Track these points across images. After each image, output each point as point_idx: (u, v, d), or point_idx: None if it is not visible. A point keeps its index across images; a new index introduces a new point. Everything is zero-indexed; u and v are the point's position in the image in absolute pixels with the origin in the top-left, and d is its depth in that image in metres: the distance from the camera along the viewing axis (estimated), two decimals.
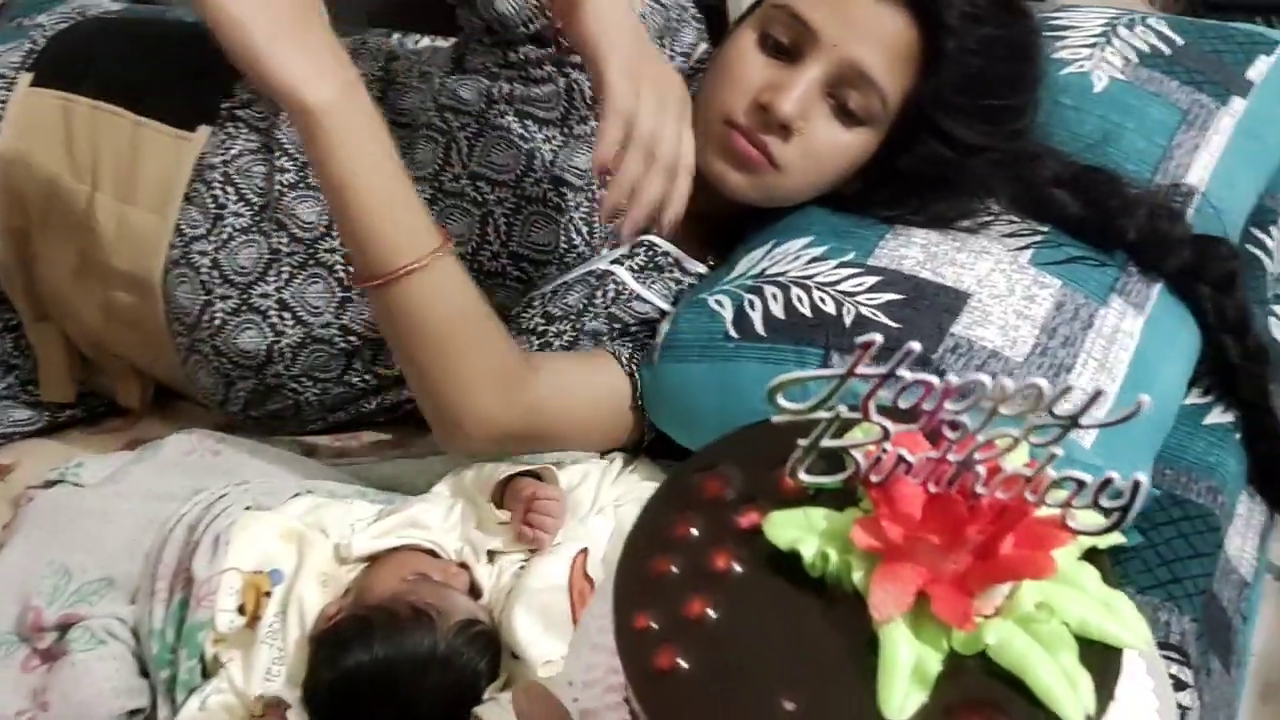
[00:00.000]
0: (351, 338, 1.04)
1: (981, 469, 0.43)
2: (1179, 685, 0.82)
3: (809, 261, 0.95)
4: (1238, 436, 0.99)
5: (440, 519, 0.90)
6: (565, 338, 1.01)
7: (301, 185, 1.03)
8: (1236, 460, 0.97)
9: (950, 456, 0.44)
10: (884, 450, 0.44)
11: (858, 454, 0.44)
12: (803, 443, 0.45)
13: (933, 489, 0.44)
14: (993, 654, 0.43)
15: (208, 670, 0.85)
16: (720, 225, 1.06)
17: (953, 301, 0.89)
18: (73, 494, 0.98)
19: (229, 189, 1.04)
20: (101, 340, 1.11)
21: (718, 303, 0.95)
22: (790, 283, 0.93)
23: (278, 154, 1.04)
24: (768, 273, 0.95)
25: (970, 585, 0.44)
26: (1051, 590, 0.45)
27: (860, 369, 0.42)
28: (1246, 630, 0.93)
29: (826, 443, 0.45)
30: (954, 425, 0.43)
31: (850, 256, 0.94)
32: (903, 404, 0.43)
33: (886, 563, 0.44)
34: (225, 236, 1.03)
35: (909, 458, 0.44)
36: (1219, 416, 0.99)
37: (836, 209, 1.01)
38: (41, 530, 0.94)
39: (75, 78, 1.10)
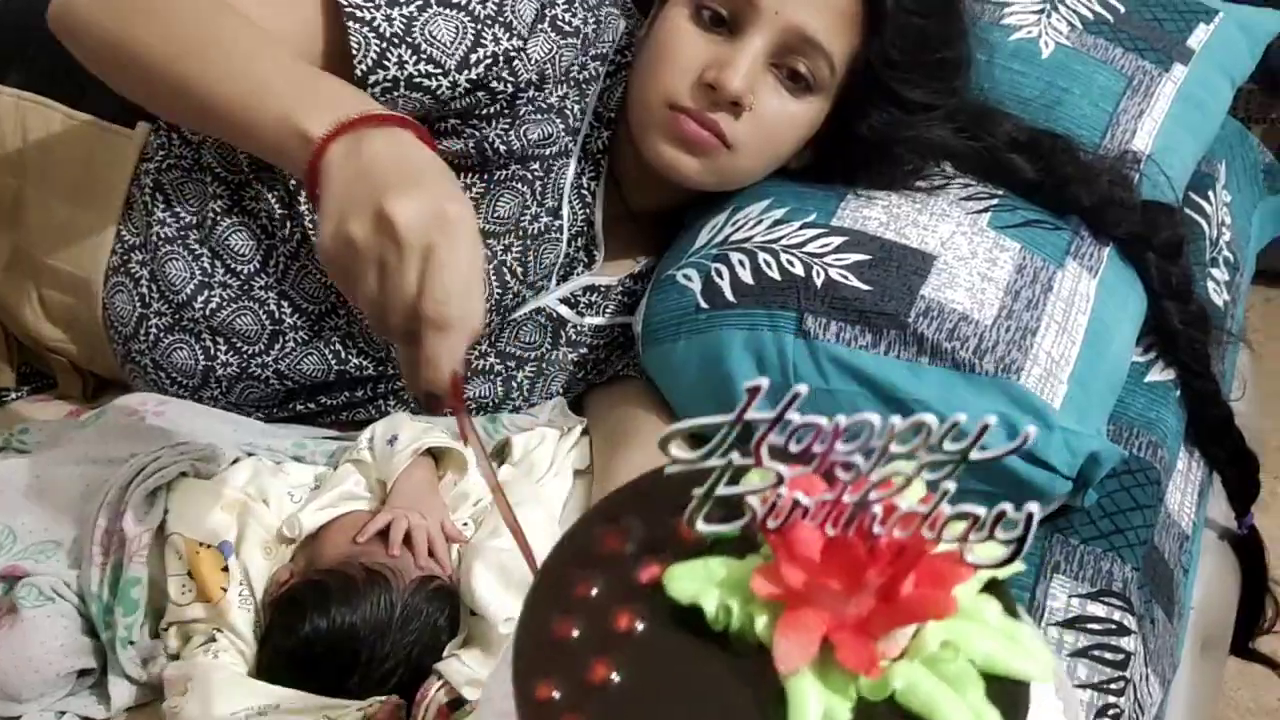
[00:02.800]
0: (288, 382, 0.99)
1: (878, 508, 0.43)
2: (1121, 630, 0.86)
3: (771, 225, 0.95)
4: (1177, 394, 1.03)
5: (368, 494, 0.90)
6: (528, 370, 1.03)
7: (234, 212, 0.96)
8: (1176, 417, 1.01)
9: (845, 498, 0.43)
10: (779, 495, 0.43)
11: (753, 500, 0.44)
12: (698, 491, 0.45)
13: (830, 531, 0.44)
14: (901, 698, 0.43)
15: (176, 651, 0.83)
16: (666, 217, 1.04)
17: (920, 263, 0.90)
18: (16, 460, 0.95)
19: (159, 195, 0.98)
20: (38, 335, 1.06)
21: (685, 277, 0.95)
22: (756, 248, 0.93)
23: (210, 176, 0.97)
24: (731, 240, 0.96)
25: (874, 629, 0.44)
26: (955, 628, 0.45)
27: (750, 414, 0.42)
28: (1187, 583, 0.97)
29: (721, 490, 0.44)
30: (847, 466, 0.43)
31: (813, 218, 0.95)
32: (794, 447, 0.43)
33: (789, 611, 0.44)
34: (155, 248, 0.97)
35: (804, 501, 0.43)
36: (1159, 374, 1.02)
37: (791, 179, 1.00)
38: None
39: (11, 67, 1.03)
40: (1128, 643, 0.85)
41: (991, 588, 0.47)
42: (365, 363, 1.00)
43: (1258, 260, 1.30)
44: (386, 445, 0.90)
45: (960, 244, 0.92)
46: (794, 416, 0.42)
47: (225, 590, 0.82)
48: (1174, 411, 1.01)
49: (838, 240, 0.92)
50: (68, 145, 1.02)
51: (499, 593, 0.80)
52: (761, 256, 0.92)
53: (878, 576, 0.44)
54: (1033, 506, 0.43)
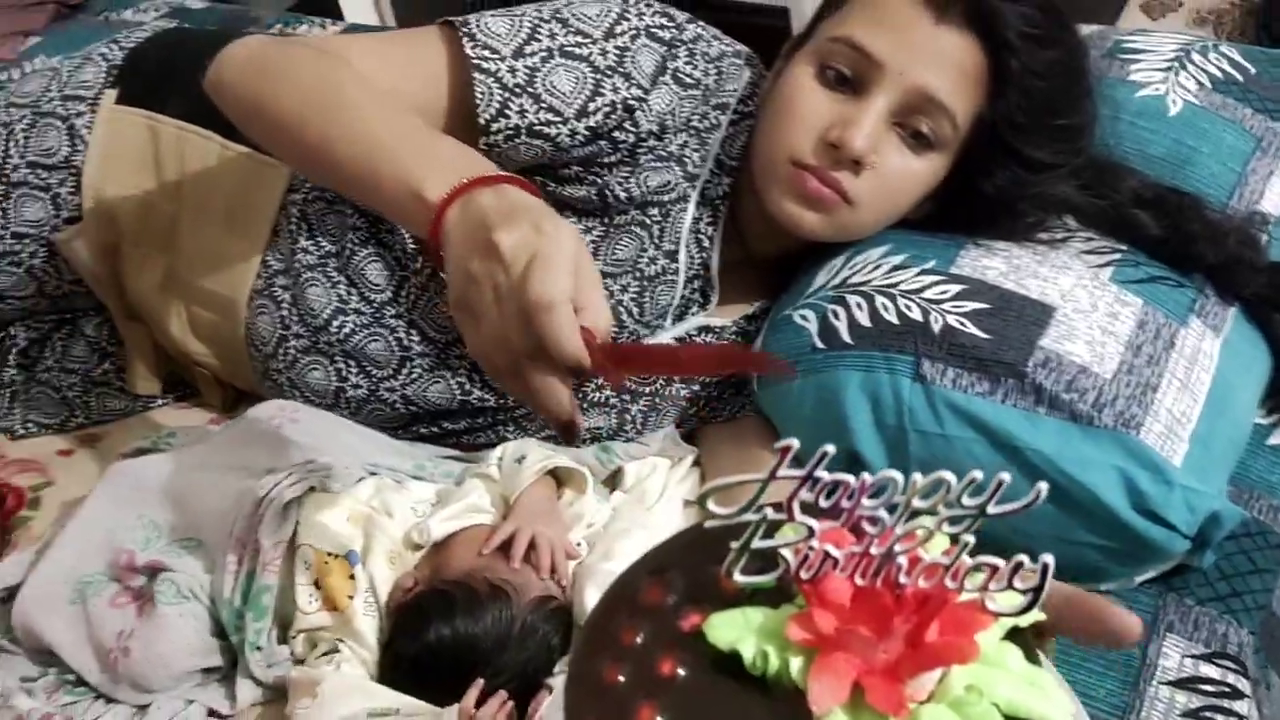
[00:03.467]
0: (413, 407, 1.04)
1: (903, 560, 0.46)
2: (1235, 694, 0.84)
3: (890, 270, 0.96)
4: None
5: (491, 506, 0.93)
6: (642, 404, 1.06)
7: (371, 243, 1.01)
8: None
9: (873, 550, 0.46)
10: (811, 548, 0.46)
11: (787, 553, 0.46)
12: (735, 544, 0.47)
13: (860, 582, 0.46)
14: None
15: (301, 656, 0.87)
16: (784, 264, 1.06)
17: (1039, 314, 0.90)
18: (162, 459, 1.01)
19: (304, 224, 1.04)
20: (184, 349, 1.13)
21: (802, 317, 0.97)
22: (874, 291, 0.95)
23: (350, 208, 1.02)
24: (850, 282, 0.97)
25: (902, 673, 0.46)
26: (979, 673, 0.47)
27: (781, 471, 0.44)
28: None
29: (757, 544, 0.47)
30: (873, 520, 0.45)
31: (932, 264, 0.96)
32: (824, 503, 0.45)
33: (822, 656, 0.46)
34: (297, 273, 1.04)
35: (835, 553, 0.46)
36: None
37: (911, 228, 1.01)
38: (130, 488, 0.97)
39: (161, 97, 1.11)
40: (1241, 706, 0.83)
41: (1013, 636, 0.49)
42: (487, 394, 1.04)
43: None
44: (515, 463, 0.94)
45: (1081, 297, 0.93)
46: (823, 474, 0.44)
47: (351, 598, 0.86)
48: None
49: (956, 288, 0.93)
50: (222, 175, 1.09)
51: None
52: (879, 300, 0.94)
53: (904, 623, 0.46)
54: (1048, 557, 0.45)
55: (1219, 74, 1.16)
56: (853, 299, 0.95)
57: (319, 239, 1.04)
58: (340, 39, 0.99)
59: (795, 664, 0.46)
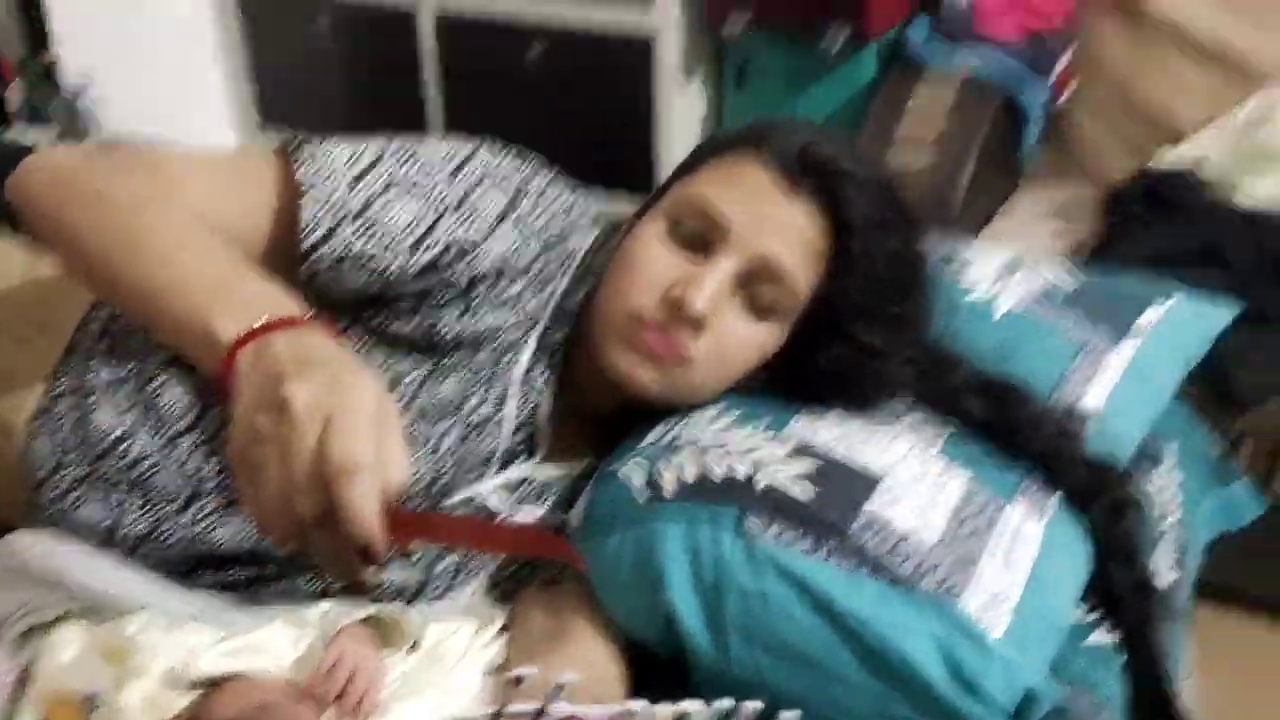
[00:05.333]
0: (198, 548, 0.94)
1: None
2: None
3: (723, 429, 0.94)
4: (1120, 661, 0.98)
5: (287, 646, 0.83)
6: (451, 560, 0.99)
7: (175, 365, 0.95)
8: (1118, 685, 0.96)
9: None
10: None
11: None
12: None
13: None
14: None
15: None
16: (616, 421, 1.03)
17: (865, 484, 0.89)
18: None
19: (105, 340, 0.97)
20: None
21: (627, 473, 0.93)
22: (703, 448, 0.92)
23: None
24: (680, 439, 0.94)
25: None
26: None
27: (510, 709, 0.41)
28: None
29: None
30: None
31: (764, 425, 0.94)
32: None
33: None
34: (85, 393, 0.95)
35: None
36: (1101, 637, 0.98)
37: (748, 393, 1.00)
38: None
39: None
40: None
41: None
42: None
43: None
44: (338, 610, 0.85)
45: (911, 465, 0.91)
46: (555, 709, 0.40)
47: None
48: (1116, 678, 0.96)
49: (785, 449, 0.91)
50: (22, 286, 1.03)
51: None
52: (707, 457, 0.91)
53: None
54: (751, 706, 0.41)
55: (1045, 285, 1.21)
56: (680, 454, 0.92)
57: (117, 359, 0.96)
58: (166, 155, 0.95)
59: None
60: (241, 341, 0.70)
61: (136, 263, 0.80)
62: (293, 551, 0.69)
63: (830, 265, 0.95)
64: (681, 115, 2.74)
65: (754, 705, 0.42)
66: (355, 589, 0.65)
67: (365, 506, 0.62)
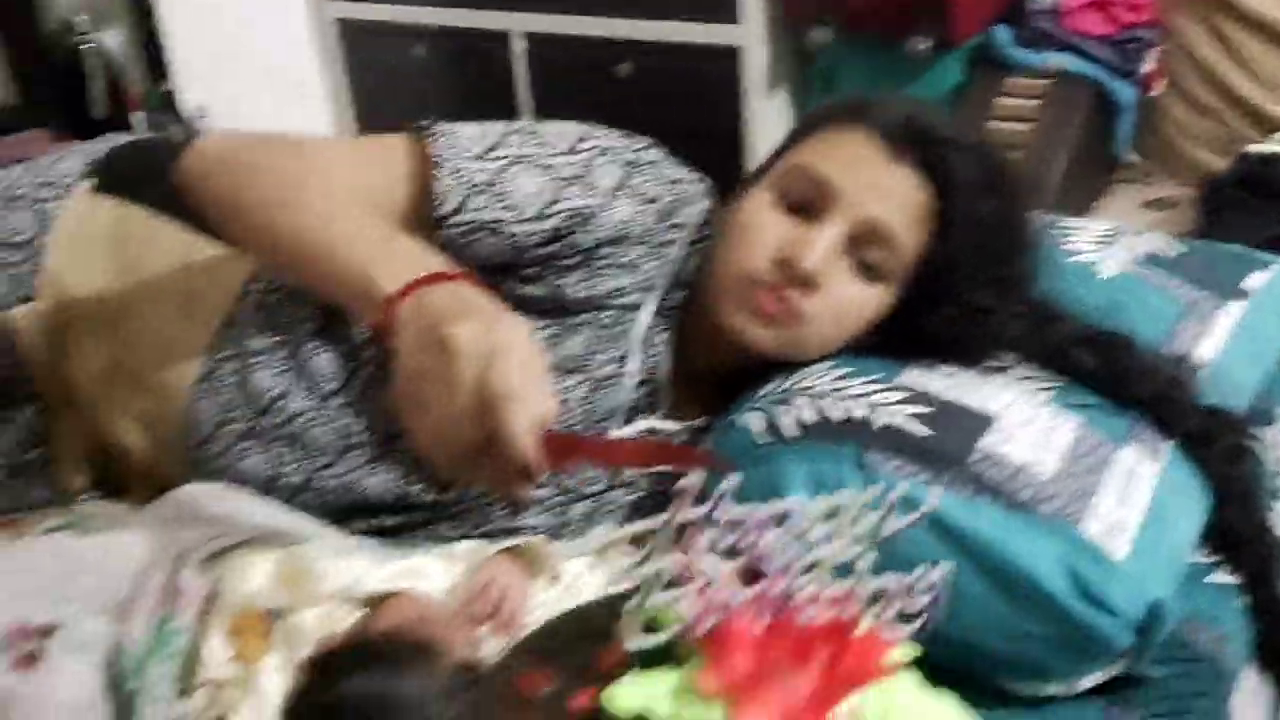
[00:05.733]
0: (349, 498, 1.01)
1: (802, 596, 0.47)
2: None
3: (836, 378, 0.98)
4: (1241, 602, 0.99)
5: (439, 575, 0.89)
6: (584, 507, 1.04)
7: (324, 334, 1.03)
8: (1240, 623, 0.97)
9: (772, 590, 0.47)
10: (710, 596, 0.46)
11: (684, 605, 0.46)
12: (629, 606, 0.47)
13: (760, 625, 0.47)
14: None
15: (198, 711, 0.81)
16: (732, 381, 1.08)
17: (979, 421, 0.92)
18: (75, 538, 0.97)
19: (260, 313, 1.06)
20: (118, 440, 1.11)
21: (747, 420, 0.98)
22: (819, 394, 0.96)
23: (308, 300, 1.04)
24: (796, 388, 0.99)
25: (825, 705, 0.46)
26: (887, 699, 0.48)
27: (680, 515, 0.45)
28: None
29: (655, 599, 0.46)
30: (771, 557, 0.46)
31: (876, 376, 0.98)
32: (723, 543, 0.46)
33: (740, 702, 0.45)
34: (244, 359, 1.04)
35: (734, 599, 0.46)
36: (1221, 578, 1.00)
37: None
38: (38, 565, 0.93)
39: (134, 189, 1.15)
40: None
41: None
42: (427, 488, 1.02)
43: None
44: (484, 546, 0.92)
45: (1023, 409, 0.94)
46: (722, 512, 0.44)
47: (264, 656, 0.81)
48: (1237, 615, 0.97)
49: (900, 394, 0.95)
50: (184, 265, 1.11)
51: None
52: (825, 401, 0.95)
53: (815, 655, 0.46)
54: (944, 569, 0.45)
55: (1148, 252, 1.23)
56: (798, 400, 0.96)
57: (271, 327, 1.04)
58: (309, 139, 1.04)
59: (715, 715, 0.45)
60: (402, 294, 0.77)
61: (302, 229, 0.88)
62: (455, 478, 0.75)
63: (936, 229, 0.99)
64: (769, 125, 2.79)
65: (900, 488, 0.46)
66: (512, 508, 0.71)
67: (523, 431, 0.68)
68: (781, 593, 0.46)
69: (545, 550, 0.91)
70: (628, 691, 0.46)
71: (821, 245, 0.96)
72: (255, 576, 0.85)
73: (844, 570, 0.45)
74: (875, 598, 0.46)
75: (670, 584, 0.45)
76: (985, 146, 1.03)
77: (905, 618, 0.47)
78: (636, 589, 0.45)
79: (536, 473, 0.70)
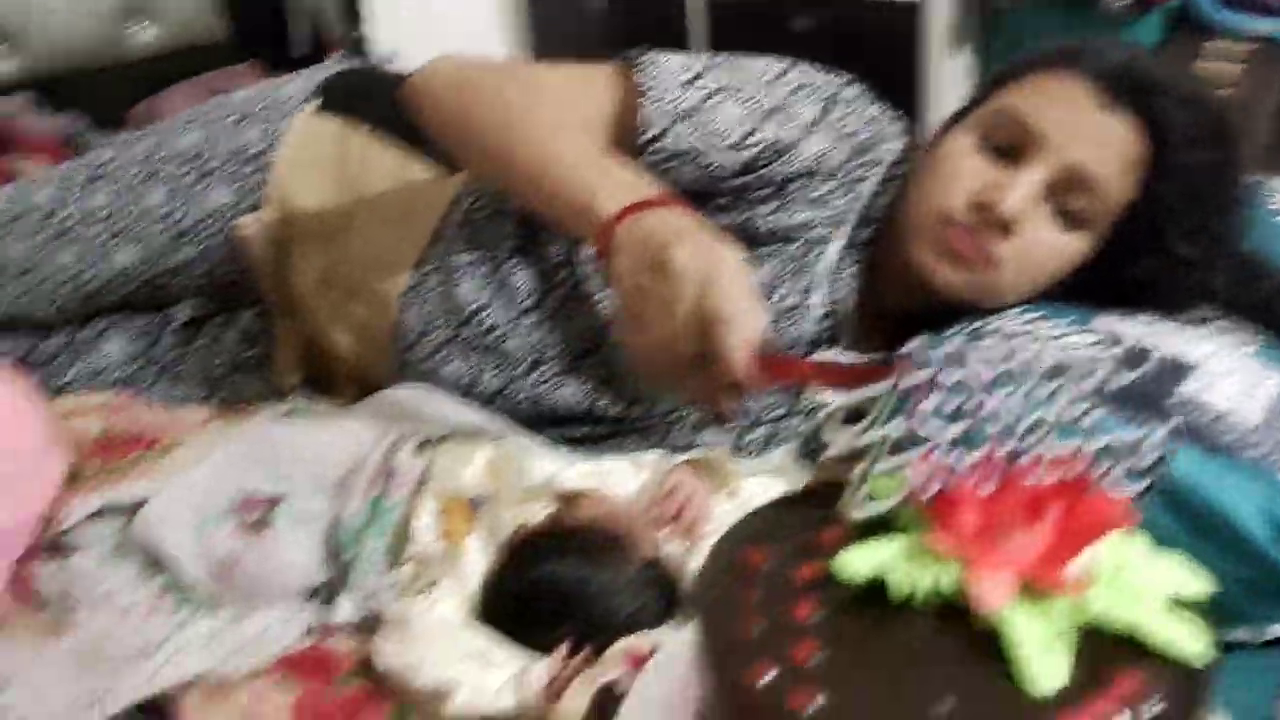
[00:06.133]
0: (540, 408, 1.07)
1: (1028, 458, 0.47)
2: None
3: (1027, 321, 0.98)
4: None
5: (628, 479, 0.94)
6: (762, 431, 1.07)
7: (523, 253, 1.08)
8: None
9: (998, 452, 0.46)
10: (934, 462, 0.46)
11: (910, 471, 0.47)
12: (855, 473, 0.47)
13: (987, 488, 0.47)
14: (1101, 619, 0.45)
15: (402, 590, 0.88)
16: (912, 321, 1.07)
17: (1177, 369, 0.91)
18: (297, 421, 1.05)
19: (465, 229, 1.11)
20: (330, 343, 1.19)
21: (934, 356, 0.99)
22: (1010, 334, 0.96)
23: (510, 220, 1.09)
24: (984, 329, 0.99)
25: (1054, 562, 0.46)
26: (1119, 556, 0.48)
27: (904, 381, 0.45)
28: None
29: (881, 466, 0.47)
30: (997, 419, 0.46)
31: (1069, 320, 0.97)
32: (948, 408, 0.46)
33: (976, 560, 0.46)
34: (449, 271, 1.10)
35: (961, 463, 0.46)
36: None
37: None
38: (266, 441, 1.01)
39: (356, 110, 1.22)
40: None
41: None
42: (613, 404, 1.07)
43: None
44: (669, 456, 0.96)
45: (1224, 360, 0.93)
46: (947, 377, 0.45)
47: (467, 537, 0.87)
48: None
49: (1094, 338, 0.94)
50: (398, 183, 1.18)
51: None
52: (1017, 340, 0.95)
53: (1046, 513, 0.47)
54: (1171, 424, 0.45)
55: None
56: (985, 341, 0.96)
57: (474, 243, 1.10)
58: (528, 65, 1.09)
59: (946, 577, 0.46)
60: (620, 216, 0.81)
61: (528, 152, 0.93)
62: (666, 393, 0.79)
63: (1146, 178, 0.96)
64: (948, 85, 2.74)
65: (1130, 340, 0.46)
66: (718, 421, 0.75)
67: (738, 349, 0.72)
68: (1008, 454, 0.46)
69: (727, 463, 0.94)
70: (859, 556, 0.47)
71: (1021, 189, 0.95)
72: (463, 464, 0.91)
73: (1069, 430, 0.45)
74: (1101, 456, 0.46)
75: (895, 450, 0.46)
76: (1205, 95, 1.00)
77: (1133, 476, 0.47)
78: (850, 471, 0.46)
79: (747, 389, 0.73)
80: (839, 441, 0.46)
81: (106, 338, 1.24)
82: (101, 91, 2.07)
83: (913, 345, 0.45)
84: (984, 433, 0.45)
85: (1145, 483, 0.45)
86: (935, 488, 0.47)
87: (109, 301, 1.24)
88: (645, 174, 0.91)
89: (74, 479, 1.01)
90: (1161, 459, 0.45)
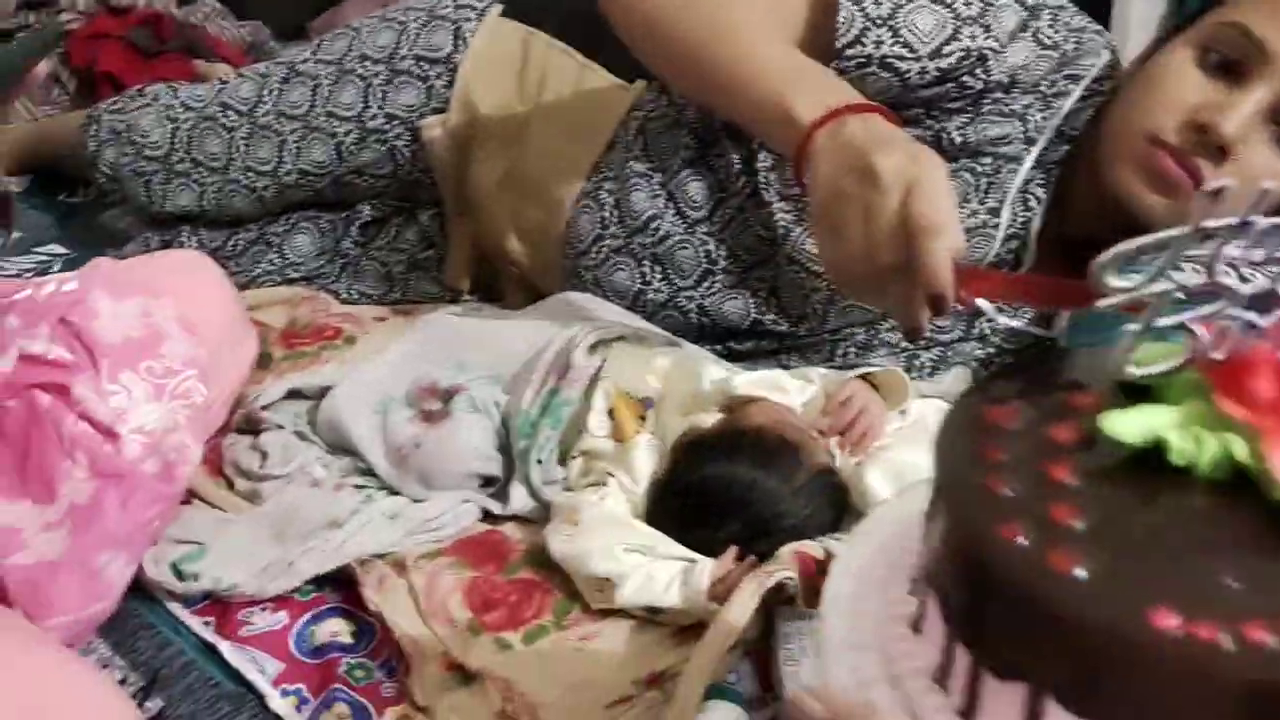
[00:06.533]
0: (705, 319, 1.07)
1: None
2: None
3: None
4: None
5: (796, 391, 0.93)
6: (933, 353, 1.05)
7: (697, 164, 1.07)
8: None
9: None
10: (1230, 318, 0.41)
11: (1198, 328, 0.41)
12: (1134, 327, 0.42)
13: None
14: None
15: (572, 483, 0.90)
16: (1101, 247, 1.04)
17: None
18: (474, 316, 1.08)
19: (640, 139, 1.11)
20: (504, 246, 1.21)
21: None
22: (1204, 264, 0.91)
23: (686, 131, 1.08)
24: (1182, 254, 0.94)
25: None
26: None
27: (1207, 222, 0.39)
28: None
29: (1162, 321, 0.41)
30: None
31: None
32: (1255, 256, 0.40)
33: (1269, 433, 0.40)
34: (624, 179, 1.10)
35: (1259, 321, 0.41)
36: None
37: None
38: (442, 332, 1.05)
39: (537, 17, 1.23)
40: None
41: None
42: (780, 318, 1.06)
43: None
44: (837, 373, 0.96)
45: None
46: (1258, 219, 0.39)
47: (638, 433, 0.88)
48: None
49: None
50: (576, 89, 1.19)
51: (888, 490, 0.82)
52: (1217, 268, 0.90)
53: None
54: None
55: None
56: (1185, 267, 0.91)
57: (650, 152, 1.10)
58: None
59: (1238, 445, 0.41)
60: (819, 122, 0.79)
61: (723, 55, 0.90)
62: (860, 300, 0.77)
63: None
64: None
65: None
66: (912, 336, 0.73)
67: (942, 261, 0.69)
68: None
69: (902, 380, 0.93)
70: (1128, 419, 0.42)
71: (1245, 110, 0.88)
72: (637, 365, 0.92)
73: None
74: None
75: (1182, 303, 0.41)
76: None
77: None
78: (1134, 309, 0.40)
79: (947, 302, 0.70)
80: (1114, 289, 0.40)
81: (297, 231, 1.30)
82: (284, 2, 2.14)
83: (1221, 181, 0.39)
84: None
85: None
86: (1224, 349, 0.42)
87: (301, 196, 1.29)
88: (842, 80, 0.88)
89: (263, 364, 1.07)
90: None
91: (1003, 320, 1.05)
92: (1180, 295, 0.41)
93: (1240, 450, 0.42)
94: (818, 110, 0.79)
